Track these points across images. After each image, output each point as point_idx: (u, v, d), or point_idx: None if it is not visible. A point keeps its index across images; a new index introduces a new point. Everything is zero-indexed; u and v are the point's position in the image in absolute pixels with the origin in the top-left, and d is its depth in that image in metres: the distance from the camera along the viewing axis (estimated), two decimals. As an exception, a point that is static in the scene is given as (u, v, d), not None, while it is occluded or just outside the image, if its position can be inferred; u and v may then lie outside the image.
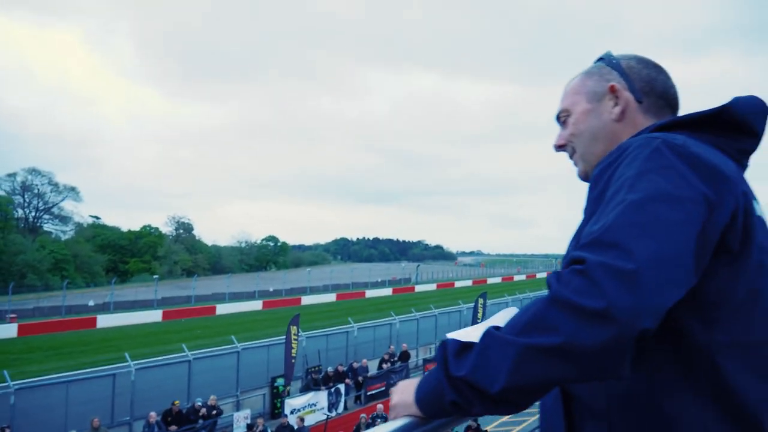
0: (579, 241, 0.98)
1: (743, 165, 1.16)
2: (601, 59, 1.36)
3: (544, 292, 0.97)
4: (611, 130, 1.28)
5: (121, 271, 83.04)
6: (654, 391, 1.00)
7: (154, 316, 43.10)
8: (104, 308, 48.52)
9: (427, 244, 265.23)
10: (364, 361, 22.40)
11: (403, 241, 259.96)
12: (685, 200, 0.94)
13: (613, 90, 1.28)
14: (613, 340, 0.85)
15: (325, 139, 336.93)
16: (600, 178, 1.07)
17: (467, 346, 0.97)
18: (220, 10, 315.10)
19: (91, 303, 48.70)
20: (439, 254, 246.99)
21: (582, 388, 1.09)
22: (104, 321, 39.89)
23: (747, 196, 1.04)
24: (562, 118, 1.38)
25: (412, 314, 29.50)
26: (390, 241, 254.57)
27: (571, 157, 1.37)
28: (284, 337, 19.53)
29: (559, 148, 1.38)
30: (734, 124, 1.13)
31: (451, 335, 1.34)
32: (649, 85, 1.28)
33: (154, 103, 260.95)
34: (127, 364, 17.23)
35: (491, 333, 0.95)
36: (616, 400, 1.04)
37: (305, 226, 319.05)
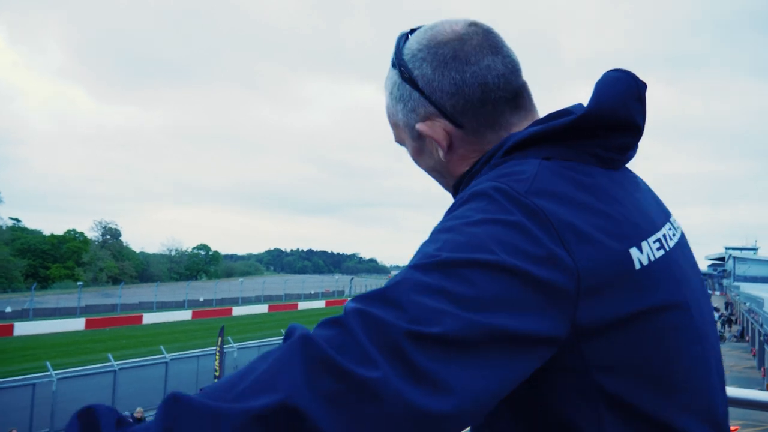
0: None
1: (624, 162, 0.96)
2: (393, 65, 1.04)
3: None
4: (450, 168, 1.03)
5: (42, 277, 79.65)
6: None
7: (77, 324, 41.45)
8: (23, 315, 46.38)
9: (361, 257, 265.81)
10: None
11: (338, 254, 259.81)
12: (506, 267, 0.71)
13: (421, 135, 1.01)
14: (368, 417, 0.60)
15: (262, 148, 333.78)
16: (446, 215, 0.86)
17: (126, 423, 0.59)
18: (159, 11, 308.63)
19: (8, 309, 46.52)
20: (373, 267, 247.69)
21: None
22: (22, 328, 38.10)
23: (620, 247, 0.81)
24: (401, 144, 1.11)
25: (345, 327, 29.56)
26: (324, 253, 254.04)
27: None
28: (215, 348, 19.32)
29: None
30: (604, 123, 0.90)
31: None
32: (461, 96, 0.95)
33: (83, 104, 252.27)
34: (48, 373, 16.62)
35: (181, 400, 0.57)
36: None
37: (238, 236, 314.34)
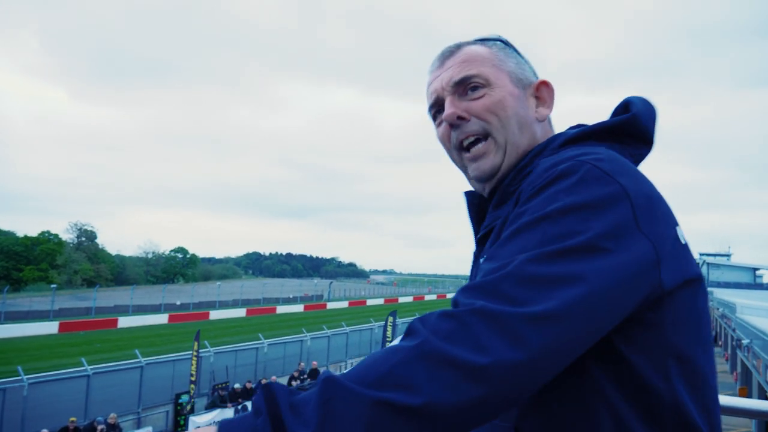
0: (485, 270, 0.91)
1: None
2: (500, 40, 1.23)
3: None
4: (534, 131, 1.18)
5: (15, 279, 78.12)
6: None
7: (50, 327, 40.75)
8: (-6, 318, 45.39)
9: (340, 261, 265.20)
10: (273, 377, 22.12)
11: (317, 258, 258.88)
12: (616, 251, 0.86)
13: (546, 85, 1.22)
14: (481, 404, 0.76)
15: (240, 150, 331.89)
16: (530, 200, 0.95)
17: (297, 393, 0.78)
18: (137, 13, 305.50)
19: (-22, 312, 45.46)
20: (352, 272, 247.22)
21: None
22: (-7, 332, 37.29)
23: (675, 224, 0.98)
24: (471, 84, 1.16)
25: (324, 331, 29.43)
26: (303, 257, 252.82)
27: (467, 137, 1.17)
28: (191, 352, 19.07)
29: (460, 120, 1.16)
30: (638, 133, 1.09)
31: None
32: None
33: (61, 104, 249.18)
34: (19, 378, 16.27)
35: (333, 381, 0.75)
36: None
37: (216, 239, 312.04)
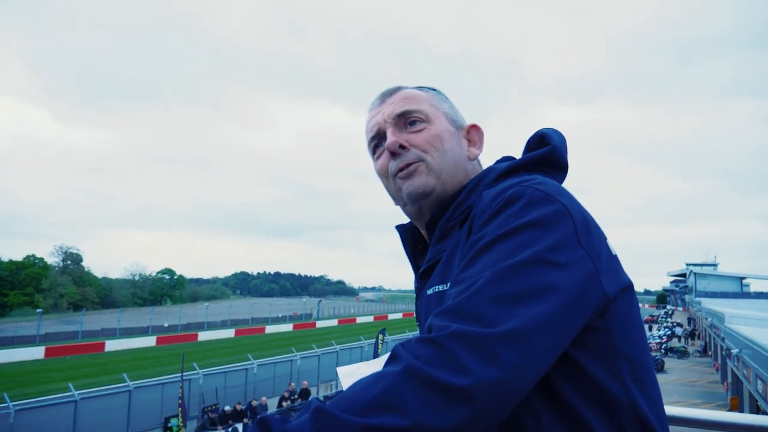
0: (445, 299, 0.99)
1: None
2: (433, 89, 1.37)
3: None
4: (466, 167, 1.29)
5: (0, 305, 77.04)
6: None
7: (36, 353, 40.20)
8: (-22, 345, 44.73)
9: (329, 279, 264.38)
10: (264, 399, 21.95)
11: (305, 276, 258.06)
12: (565, 264, 0.95)
13: (476, 128, 1.35)
14: (467, 423, 0.81)
15: (226, 169, 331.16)
16: (484, 226, 1.03)
17: (289, 421, 0.84)
18: (120, 34, 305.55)
19: (-37, 339, 44.82)
20: (341, 289, 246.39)
21: None
22: (-22, 358, 36.75)
23: (604, 236, 1.07)
24: (410, 119, 1.27)
25: (314, 350, 29.30)
26: (292, 275, 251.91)
27: (407, 165, 1.24)
28: (179, 375, 18.91)
29: (401, 148, 1.24)
30: (556, 162, 1.22)
31: (341, 370, 1.44)
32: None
33: (45, 126, 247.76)
34: (5, 405, 16.08)
35: (323, 411, 0.80)
36: None
37: (203, 259, 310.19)
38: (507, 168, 1.21)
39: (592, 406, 0.98)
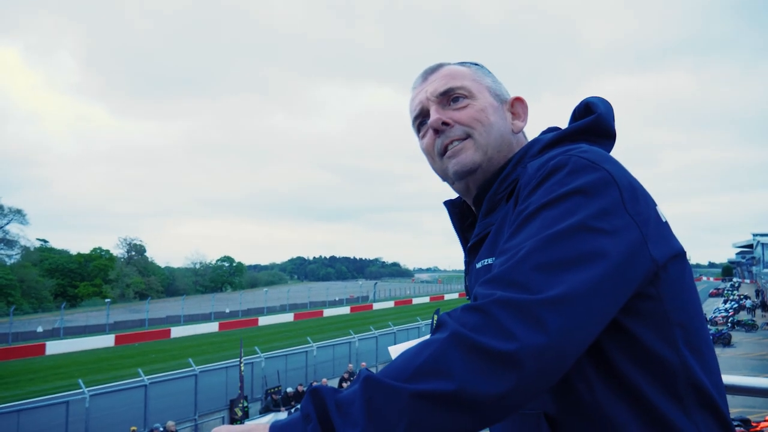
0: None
1: None
2: (476, 64, 1.36)
3: None
4: (510, 141, 1.28)
5: (71, 296, 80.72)
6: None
7: (107, 341, 42.01)
8: (54, 334, 47.01)
9: (384, 262, 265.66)
10: (324, 380, 22.33)
11: (360, 259, 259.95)
12: (611, 231, 0.94)
13: (520, 101, 1.33)
14: (514, 388, 0.81)
15: (279, 156, 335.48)
16: (529, 196, 1.03)
17: (340, 392, 0.84)
18: (168, 25, 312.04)
19: (39, 329, 47.16)
20: (396, 271, 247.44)
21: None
22: (54, 347, 38.68)
23: (654, 203, 1.05)
24: (453, 95, 1.26)
25: (371, 332, 29.56)
26: (347, 259, 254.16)
27: (451, 142, 1.24)
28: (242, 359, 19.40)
29: (444, 125, 1.24)
30: (602, 131, 1.19)
31: (392, 348, 1.44)
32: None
33: (102, 121, 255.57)
34: (81, 390, 16.82)
35: (373, 379, 0.82)
36: None
37: (261, 246, 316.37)
38: (552, 139, 1.19)
39: (644, 373, 0.97)
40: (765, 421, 12.56)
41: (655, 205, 1.05)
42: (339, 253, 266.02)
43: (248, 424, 0.86)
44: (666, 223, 1.06)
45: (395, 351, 1.40)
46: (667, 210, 1.11)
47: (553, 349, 0.82)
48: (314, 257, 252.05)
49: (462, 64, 1.33)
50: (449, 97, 1.26)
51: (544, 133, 1.29)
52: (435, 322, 0.90)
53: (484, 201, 1.22)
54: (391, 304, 74.37)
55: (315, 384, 0.70)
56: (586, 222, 0.93)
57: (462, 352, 0.81)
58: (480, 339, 0.81)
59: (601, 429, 0.97)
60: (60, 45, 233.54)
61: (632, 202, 0.98)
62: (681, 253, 1.05)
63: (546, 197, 0.98)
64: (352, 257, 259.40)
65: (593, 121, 1.18)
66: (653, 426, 0.96)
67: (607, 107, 1.21)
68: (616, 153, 1.18)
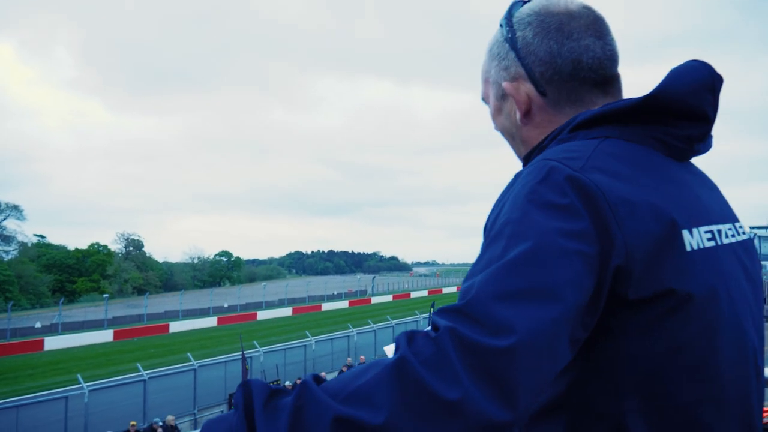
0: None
1: (692, 153, 0.98)
2: (501, 25, 1.10)
3: None
4: (524, 134, 1.08)
5: (69, 291, 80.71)
6: None
7: (105, 336, 42.02)
8: (52, 330, 46.95)
9: (382, 256, 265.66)
10: (323, 374, 22.25)
11: (359, 253, 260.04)
12: (567, 253, 0.77)
13: (505, 95, 1.08)
14: None
15: (277, 151, 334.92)
16: (495, 207, 0.90)
17: (276, 394, 0.77)
18: (165, 19, 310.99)
19: (37, 325, 47.13)
20: (394, 265, 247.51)
21: None
22: (52, 343, 38.64)
23: (669, 228, 0.84)
24: (486, 102, 1.18)
25: (370, 326, 29.63)
26: (345, 253, 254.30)
27: None
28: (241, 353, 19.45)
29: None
30: (672, 109, 0.92)
31: (388, 349, 1.40)
32: (552, 67, 1.00)
33: (99, 116, 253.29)
34: (80, 386, 16.84)
35: (308, 388, 0.73)
36: None
37: (258, 241, 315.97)
38: (590, 117, 0.95)
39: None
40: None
41: (677, 228, 0.85)
42: (337, 248, 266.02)
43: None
44: (691, 252, 0.85)
45: (390, 351, 1.39)
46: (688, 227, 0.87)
47: (504, 403, 0.69)
48: (312, 251, 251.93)
49: (487, 50, 1.13)
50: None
51: (611, 103, 0.97)
52: (431, 316, 0.81)
53: None
54: (389, 298, 74.47)
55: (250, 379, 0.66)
56: (548, 245, 0.77)
57: (403, 385, 0.69)
58: (425, 377, 0.69)
59: None
60: (55, 40, 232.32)
61: (624, 218, 0.81)
62: (693, 293, 0.84)
63: (510, 215, 0.83)
64: (350, 251, 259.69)
65: (640, 104, 0.92)
66: None
67: (689, 77, 0.93)
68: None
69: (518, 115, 1.05)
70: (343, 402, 0.70)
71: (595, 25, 1.01)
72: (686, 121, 0.93)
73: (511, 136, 1.12)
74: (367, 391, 0.70)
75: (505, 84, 1.05)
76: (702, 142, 0.97)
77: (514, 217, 0.81)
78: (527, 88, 1.03)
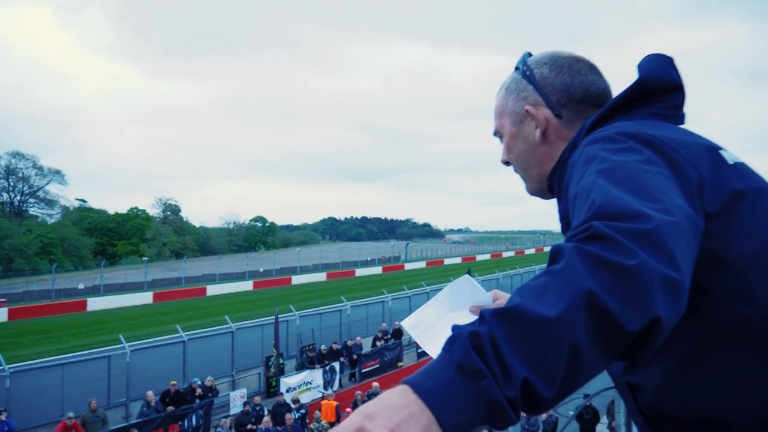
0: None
1: (681, 118, 1.17)
2: (516, 68, 1.33)
3: (535, 267, 0.76)
4: (540, 153, 1.27)
5: (110, 254, 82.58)
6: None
7: (145, 298, 43.07)
8: (94, 291, 48.31)
9: (415, 222, 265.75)
10: (358, 338, 22.53)
11: (392, 220, 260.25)
12: (652, 172, 0.90)
13: (528, 113, 1.27)
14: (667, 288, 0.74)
15: (311, 116, 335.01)
16: (564, 191, 1.05)
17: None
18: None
19: (80, 286, 48.45)
20: (427, 232, 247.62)
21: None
22: (95, 304, 39.78)
23: (711, 150, 1.01)
24: (499, 135, 1.37)
25: (404, 291, 29.65)
26: (378, 219, 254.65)
27: (516, 172, 1.37)
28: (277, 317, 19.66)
29: (505, 163, 1.37)
30: (656, 88, 1.13)
31: (405, 323, 1.37)
32: (566, 94, 1.25)
33: (135, 82, 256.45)
34: (122, 345, 17.25)
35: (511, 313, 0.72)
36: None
37: (293, 206, 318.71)
38: (598, 116, 1.15)
39: (723, 338, 0.92)
40: None
41: (717, 149, 1.02)
42: (370, 214, 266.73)
43: (385, 394, 0.69)
44: (736, 165, 1.01)
45: (410, 325, 1.36)
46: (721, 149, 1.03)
47: (669, 263, 0.76)
48: (346, 218, 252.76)
49: (503, 87, 1.36)
50: (499, 137, 1.38)
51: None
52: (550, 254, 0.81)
53: (555, 190, 1.26)
54: (422, 264, 74.62)
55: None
56: (634, 167, 0.90)
57: (589, 264, 0.74)
58: (604, 254, 0.74)
59: (676, 399, 0.97)
60: (90, 4, 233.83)
61: (680, 153, 0.96)
62: (755, 188, 0.98)
63: (586, 168, 0.96)
64: (383, 218, 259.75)
65: (633, 89, 1.14)
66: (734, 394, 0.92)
67: (655, 62, 1.16)
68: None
69: (538, 133, 1.26)
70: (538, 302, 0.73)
71: (596, 68, 1.29)
72: (671, 93, 1.15)
73: (526, 161, 1.30)
74: (562, 286, 0.73)
75: (527, 107, 1.27)
76: (682, 109, 1.17)
77: (592, 169, 0.93)
78: (545, 112, 1.25)
